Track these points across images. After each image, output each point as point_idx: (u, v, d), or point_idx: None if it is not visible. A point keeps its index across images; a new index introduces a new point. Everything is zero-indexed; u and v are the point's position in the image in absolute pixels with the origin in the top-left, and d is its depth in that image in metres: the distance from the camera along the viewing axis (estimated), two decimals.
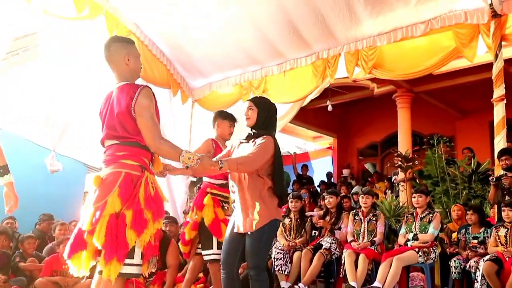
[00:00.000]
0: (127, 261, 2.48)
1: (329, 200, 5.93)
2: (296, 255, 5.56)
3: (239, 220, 3.21)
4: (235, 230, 3.23)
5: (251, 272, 3.15)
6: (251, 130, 3.33)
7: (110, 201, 2.46)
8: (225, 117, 4.37)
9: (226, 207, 4.15)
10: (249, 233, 3.13)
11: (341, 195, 6.69)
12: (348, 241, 5.46)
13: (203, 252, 4.14)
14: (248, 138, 3.32)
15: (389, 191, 9.10)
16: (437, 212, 5.15)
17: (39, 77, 7.17)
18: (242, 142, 3.38)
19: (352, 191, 8.93)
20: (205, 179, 4.27)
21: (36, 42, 6.55)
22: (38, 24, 6.22)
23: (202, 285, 4.99)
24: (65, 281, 5.18)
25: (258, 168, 3.12)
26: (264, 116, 3.31)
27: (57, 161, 8.12)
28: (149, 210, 2.52)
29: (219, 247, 3.89)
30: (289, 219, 5.91)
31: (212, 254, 4.07)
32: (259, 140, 3.20)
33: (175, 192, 7.99)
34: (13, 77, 7.16)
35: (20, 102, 7.65)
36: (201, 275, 5.15)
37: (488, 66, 5.38)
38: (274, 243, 5.58)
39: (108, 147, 2.66)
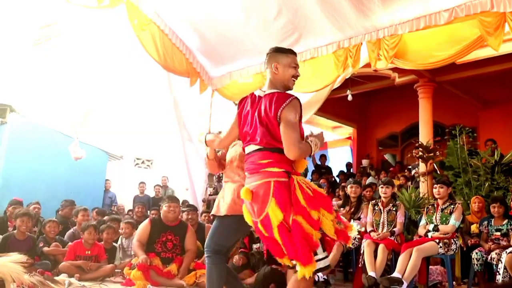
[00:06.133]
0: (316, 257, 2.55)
1: (355, 190, 5.91)
2: None
3: None
4: None
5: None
6: None
7: (272, 214, 2.52)
8: None
9: None
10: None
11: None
12: (368, 231, 5.44)
13: None
14: None
15: (410, 182, 9.02)
16: (459, 203, 5.09)
17: (61, 65, 7.28)
18: None
19: (367, 183, 8.87)
20: None
21: (58, 31, 6.64)
22: (60, 13, 6.31)
23: None
24: (88, 265, 5.31)
25: None
26: None
27: (80, 148, 8.26)
28: (316, 210, 2.54)
29: None
30: None
31: None
32: None
33: (195, 181, 8.07)
34: (36, 66, 7.28)
35: (43, 91, 7.79)
36: None
37: None
38: None
39: (251, 155, 2.71)
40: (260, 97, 2.76)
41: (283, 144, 2.57)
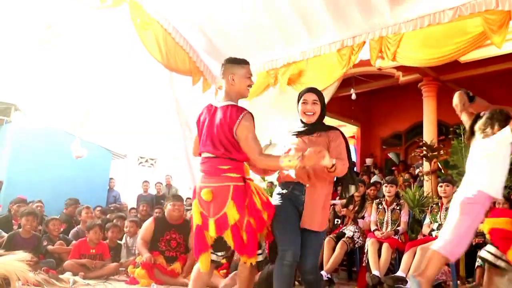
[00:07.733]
0: (258, 251, 2.98)
1: (359, 189, 5.89)
2: None
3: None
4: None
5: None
6: (308, 123, 3.12)
7: (230, 214, 2.83)
8: None
9: None
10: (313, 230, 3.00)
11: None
12: (372, 230, 5.43)
13: None
14: (308, 132, 3.09)
15: (413, 180, 9.00)
16: None
17: (64, 65, 7.30)
18: (299, 136, 3.14)
19: (371, 181, 8.85)
20: None
21: (58, 31, 6.65)
22: (62, 13, 6.31)
23: (225, 271, 5.04)
24: (92, 263, 5.33)
25: None
26: (324, 108, 3.16)
27: (82, 147, 8.28)
28: (266, 211, 2.94)
29: None
30: None
31: None
32: (333, 137, 3.02)
33: (197, 180, 8.05)
34: (39, 65, 7.30)
35: (46, 90, 7.82)
36: (224, 261, 5.20)
37: None
38: None
39: (209, 159, 2.94)
40: (216, 108, 2.99)
41: (248, 156, 2.88)
